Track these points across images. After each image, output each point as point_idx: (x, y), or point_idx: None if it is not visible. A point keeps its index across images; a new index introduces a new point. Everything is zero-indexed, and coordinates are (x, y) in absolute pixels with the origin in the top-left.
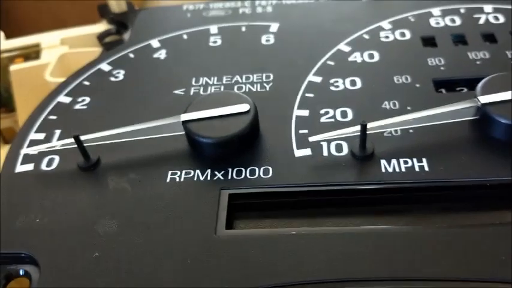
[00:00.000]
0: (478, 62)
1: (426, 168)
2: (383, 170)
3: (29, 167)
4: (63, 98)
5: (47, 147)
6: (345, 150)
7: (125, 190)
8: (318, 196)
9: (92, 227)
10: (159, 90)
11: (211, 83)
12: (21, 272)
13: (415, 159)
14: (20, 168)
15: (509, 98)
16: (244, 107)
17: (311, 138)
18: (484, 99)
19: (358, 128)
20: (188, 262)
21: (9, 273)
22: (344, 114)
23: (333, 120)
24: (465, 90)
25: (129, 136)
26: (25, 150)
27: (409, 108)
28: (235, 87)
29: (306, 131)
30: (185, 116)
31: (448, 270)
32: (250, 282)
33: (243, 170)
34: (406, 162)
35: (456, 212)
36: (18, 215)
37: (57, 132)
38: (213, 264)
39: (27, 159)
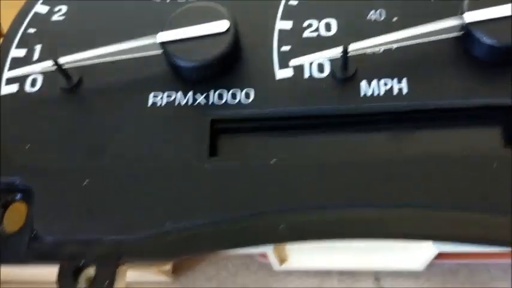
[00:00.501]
0: None
1: (405, 91)
2: (362, 93)
3: (14, 88)
4: (40, 8)
5: (28, 72)
6: (327, 70)
7: (107, 112)
8: (297, 121)
9: (81, 151)
10: None
11: None
12: (18, 197)
13: (395, 80)
14: (4, 90)
15: (498, 15)
16: (223, 25)
17: (292, 62)
18: (470, 16)
19: (339, 50)
20: (171, 191)
21: (6, 201)
22: (328, 27)
23: (316, 34)
24: None
25: (108, 56)
26: (7, 74)
27: (395, 19)
28: None
29: (288, 48)
30: (162, 36)
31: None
32: (232, 211)
33: (225, 93)
34: (386, 84)
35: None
36: (9, 140)
37: (38, 48)
38: (196, 192)
39: (11, 80)
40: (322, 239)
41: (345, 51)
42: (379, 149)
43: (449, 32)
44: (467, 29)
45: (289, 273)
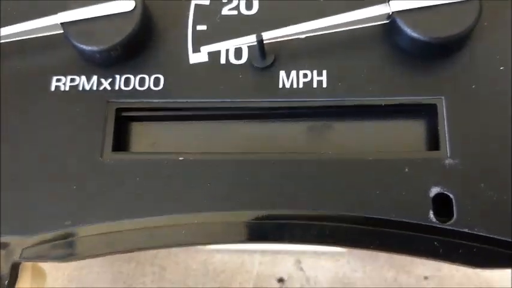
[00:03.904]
0: None
1: (325, 84)
2: (280, 85)
3: None
4: None
5: None
6: (245, 57)
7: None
8: (209, 112)
9: None
10: None
11: None
12: None
13: (315, 72)
14: None
15: (426, 4)
16: (129, 4)
17: (205, 49)
18: (397, 4)
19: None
20: (74, 188)
21: None
22: (249, 5)
23: (236, 12)
24: None
25: (11, 37)
26: None
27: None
28: None
29: (204, 27)
30: (63, 16)
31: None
32: (134, 212)
33: (132, 79)
34: (305, 76)
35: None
36: None
37: None
38: (99, 190)
39: None
40: (222, 243)
41: (260, 41)
42: (295, 148)
43: (376, 21)
44: (393, 18)
45: (214, 252)
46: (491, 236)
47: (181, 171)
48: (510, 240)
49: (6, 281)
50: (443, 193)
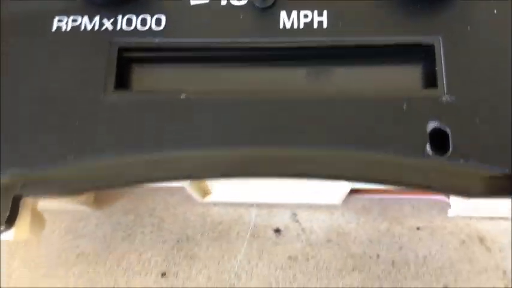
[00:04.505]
0: None
1: (325, 25)
2: (281, 25)
3: None
4: None
5: None
6: None
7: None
8: (211, 52)
9: None
10: None
11: None
12: None
13: (315, 12)
14: None
15: None
16: None
17: None
18: None
19: None
20: (77, 124)
21: None
22: None
23: None
24: None
25: None
26: None
27: None
28: None
29: None
30: None
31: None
32: (136, 147)
33: (134, 19)
34: (306, 16)
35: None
36: None
37: None
38: (101, 126)
39: None
40: (228, 177)
41: None
42: (296, 86)
43: None
44: None
45: (211, 205)
46: (485, 165)
47: (182, 109)
48: (507, 171)
49: (7, 214)
50: (439, 128)
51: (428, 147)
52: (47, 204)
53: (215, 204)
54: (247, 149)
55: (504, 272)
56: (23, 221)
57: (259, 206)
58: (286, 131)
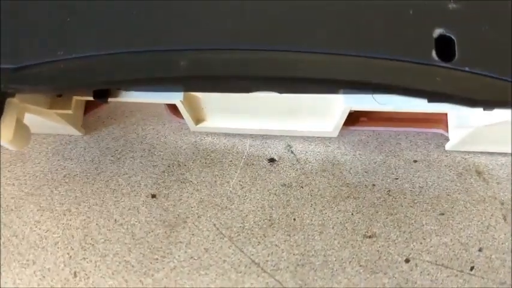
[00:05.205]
0: None
1: None
2: None
3: None
4: None
5: None
6: None
7: None
8: None
9: None
10: None
11: None
12: None
13: None
14: None
15: None
16: None
17: None
18: None
19: None
20: (68, 20)
21: None
22: None
23: None
24: None
25: None
26: None
27: None
28: None
29: None
30: None
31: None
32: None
33: None
34: None
35: None
36: None
37: None
38: (92, 22)
39: None
40: (224, 74)
41: None
42: None
43: None
44: None
45: (203, 135)
46: (491, 74)
47: (178, 9)
48: (509, 79)
49: None
50: (445, 35)
51: (434, 53)
52: (33, 125)
53: (208, 134)
54: (245, 51)
55: (502, 203)
56: (8, 122)
57: (253, 137)
58: (293, 33)
